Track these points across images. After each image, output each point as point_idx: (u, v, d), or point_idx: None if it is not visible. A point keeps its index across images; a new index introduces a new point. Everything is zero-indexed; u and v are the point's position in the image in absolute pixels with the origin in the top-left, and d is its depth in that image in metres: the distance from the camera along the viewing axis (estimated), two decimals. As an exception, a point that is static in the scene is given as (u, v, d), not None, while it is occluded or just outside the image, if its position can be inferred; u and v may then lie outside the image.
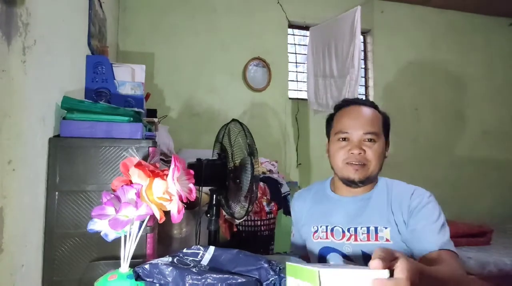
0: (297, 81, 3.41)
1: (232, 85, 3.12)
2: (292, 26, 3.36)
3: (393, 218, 0.95)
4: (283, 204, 2.40)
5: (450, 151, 3.62)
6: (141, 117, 1.20)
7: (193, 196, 0.73)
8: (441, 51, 3.68)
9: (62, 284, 0.99)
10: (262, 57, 3.17)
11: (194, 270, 0.69)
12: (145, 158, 1.04)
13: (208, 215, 1.21)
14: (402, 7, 3.60)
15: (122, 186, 0.66)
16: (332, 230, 1.01)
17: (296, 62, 3.43)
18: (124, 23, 2.86)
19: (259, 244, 2.28)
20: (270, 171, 2.60)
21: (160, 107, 2.48)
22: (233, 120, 1.25)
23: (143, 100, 1.45)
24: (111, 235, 0.67)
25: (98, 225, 0.66)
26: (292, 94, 3.34)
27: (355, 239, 0.97)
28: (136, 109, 1.18)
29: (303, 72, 3.36)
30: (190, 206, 1.60)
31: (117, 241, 0.68)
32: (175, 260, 0.74)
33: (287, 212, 2.39)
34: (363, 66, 3.51)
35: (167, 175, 0.68)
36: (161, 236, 1.31)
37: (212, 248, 0.79)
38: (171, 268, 0.68)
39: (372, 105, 1.05)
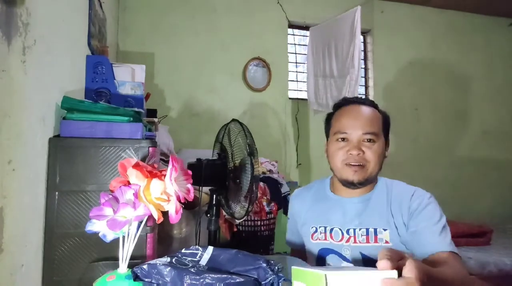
0: (297, 81, 3.41)
1: (232, 85, 3.12)
2: (292, 26, 3.36)
3: (392, 220, 0.94)
4: (283, 204, 2.40)
5: (450, 151, 3.62)
6: (141, 117, 1.20)
7: (191, 196, 0.73)
8: (441, 51, 3.68)
9: (62, 284, 0.99)
10: (262, 57, 3.17)
11: (192, 270, 0.69)
12: (145, 158, 1.04)
13: (208, 215, 1.21)
14: (402, 7, 3.60)
15: (120, 186, 0.66)
16: (331, 231, 1.00)
17: (296, 62, 3.43)
18: (124, 23, 2.86)
19: (259, 244, 2.28)
20: (270, 171, 2.60)
21: (160, 107, 2.48)
22: (233, 120, 1.25)
23: (143, 100, 1.45)
24: (109, 236, 0.67)
25: (96, 225, 0.66)
26: (292, 94, 3.34)
27: (354, 241, 0.96)
28: (136, 109, 1.18)
29: (303, 72, 3.36)
30: (189, 206, 1.61)
31: (117, 241, 0.68)
32: (173, 260, 0.74)
33: (287, 212, 2.39)
34: (363, 66, 3.51)
35: (165, 176, 0.68)
36: (161, 236, 1.32)
37: (210, 248, 0.79)
38: (169, 268, 0.68)
39: (372, 104, 1.03)
